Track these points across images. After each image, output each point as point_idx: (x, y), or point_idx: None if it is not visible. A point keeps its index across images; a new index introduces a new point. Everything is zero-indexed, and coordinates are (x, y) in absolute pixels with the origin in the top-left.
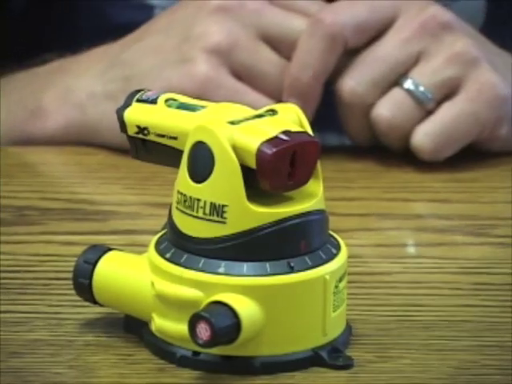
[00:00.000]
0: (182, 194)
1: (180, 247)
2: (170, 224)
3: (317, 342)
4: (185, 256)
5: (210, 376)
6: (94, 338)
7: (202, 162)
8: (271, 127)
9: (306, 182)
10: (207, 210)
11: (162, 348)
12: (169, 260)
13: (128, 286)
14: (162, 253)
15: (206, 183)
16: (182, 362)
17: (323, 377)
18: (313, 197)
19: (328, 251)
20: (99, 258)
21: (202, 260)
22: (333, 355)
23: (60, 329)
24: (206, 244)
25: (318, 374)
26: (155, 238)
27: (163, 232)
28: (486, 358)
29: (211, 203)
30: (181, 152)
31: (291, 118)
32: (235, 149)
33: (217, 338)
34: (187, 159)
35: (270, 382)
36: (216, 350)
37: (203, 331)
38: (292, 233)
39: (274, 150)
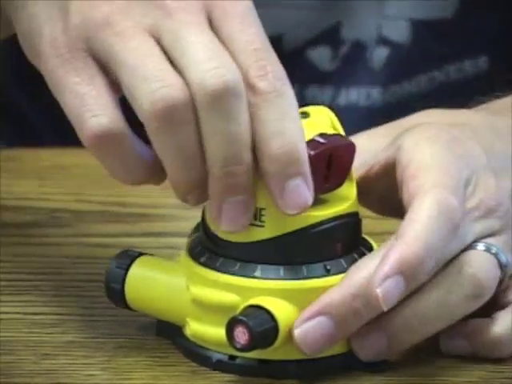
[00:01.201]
0: None
1: (217, 252)
2: (205, 230)
3: (350, 344)
4: (220, 260)
5: (244, 379)
6: (126, 339)
7: None
8: (307, 130)
9: (341, 184)
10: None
11: (197, 352)
12: (204, 264)
13: (161, 291)
14: (196, 257)
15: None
16: (218, 366)
17: (358, 380)
18: (347, 199)
19: (362, 254)
20: (131, 262)
21: (238, 264)
22: None
23: (93, 331)
24: (244, 248)
25: (353, 376)
26: (188, 241)
27: (195, 236)
28: None
29: (256, 208)
30: None
31: (324, 120)
32: None
33: (255, 342)
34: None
35: None
36: (252, 354)
37: (241, 335)
38: (329, 235)
39: (313, 152)
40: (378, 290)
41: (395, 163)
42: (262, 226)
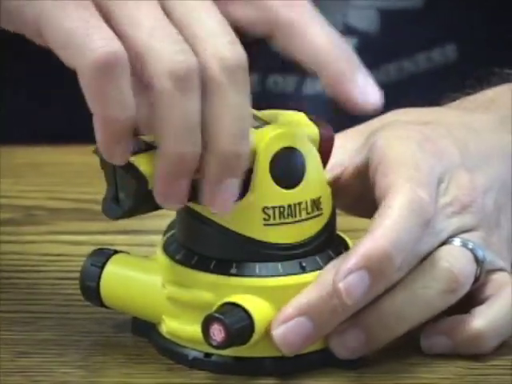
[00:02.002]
0: (274, 207)
1: (193, 250)
2: (252, 244)
3: (327, 342)
4: (196, 257)
5: (219, 376)
6: (101, 337)
7: (293, 167)
8: (299, 121)
9: None
10: (310, 209)
11: (173, 350)
12: (179, 262)
13: (137, 289)
14: (172, 254)
15: (302, 184)
16: (194, 363)
17: (333, 376)
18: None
19: (337, 251)
20: (107, 260)
21: (214, 261)
22: None
23: (68, 329)
24: (305, 245)
25: (328, 373)
26: (163, 239)
27: (170, 233)
28: (494, 357)
29: (311, 200)
30: None
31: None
32: None
33: (231, 339)
34: (271, 171)
35: (281, 382)
36: (228, 351)
37: (217, 332)
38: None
39: (331, 133)
40: (341, 285)
41: (367, 164)
42: (321, 214)
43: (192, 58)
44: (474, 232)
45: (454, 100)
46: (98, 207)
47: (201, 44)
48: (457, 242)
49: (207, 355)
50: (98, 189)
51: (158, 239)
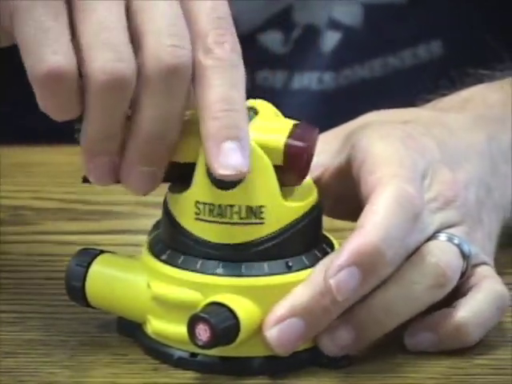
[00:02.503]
0: (205, 204)
1: (178, 249)
2: (182, 237)
3: (314, 342)
4: (181, 257)
5: (205, 376)
6: (88, 337)
7: None
8: (277, 123)
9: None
10: (243, 214)
11: (158, 349)
12: (165, 261)
13: (122, 289)
14: (157, 254)
15: (238, 188)
16: (180, 363)
17: (319, 376)
18: (312, 188)
19: (323, 250)
20: (92, 260)
21: (200, 261)
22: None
23: (53, 329)
24: (244, 248)
25: (314, 373)
26: (148, 239)
27: (156, 233)
28: (480, 357)
29: (247, 206)
30: (186, 165)
31: (272, 111)
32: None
33: (216, 339)
34: (207, 168)
35: (268, 383)
36: (214, 351)
37: (203, 332)
38: (316, 223)
39: (303, 144)
40: (332, 281)
41: (350, 163)
42: (262, 224)
43: (122, 65)
44: (459, 227)
45: (429, 101)
46: (85, 207)
47: (144, 42)
48: (443, 237)
49: (193, 355)
50: (85, 189)
51: (144, 239)
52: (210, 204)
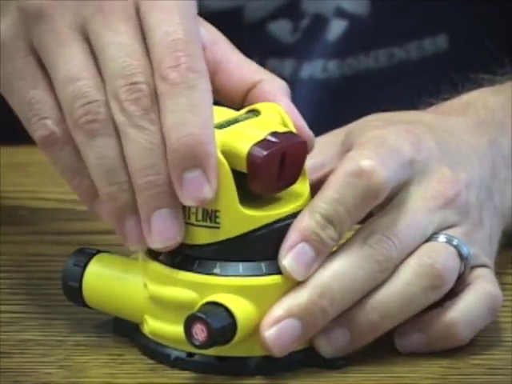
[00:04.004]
0: None
1: (172, 252)
2: None
3: (311, 342)
4: (179, 257)
5: (202, 376)
6: (84, 337)
7: None
8: (258, 129)
9: (294, 182)
10: (200, 216)
11: (155, 349)
12: (162, 261)
13: (119, 289)
14: (154, 254)
15: None
16: (177, 363)
17: (315, 376)
18: (301, 196)
19: None
20: (89, 260)
21: (197, 261)
22: None
23: (50, 329)
24: (200, 250)
25: (311, 373)
26: None
27: None
28: (476, 357)
29: (203, 209)
30: None
31: (275, 117)
32: (224, 153)
33: (213, 339)
34: None
35: (265, 383)
36: (210, 351)
37: (199, 332)
38: (285, 233)
39: (265, 152)
40: (284, 262)
41: None
42: (218, 228)
43: (94, 109)
44: (458, 227)
45: (431, 105)
46: (82, 207)
47: (106, 83)
48: (441, 238)
49: (190, 355)
50: None
51: None
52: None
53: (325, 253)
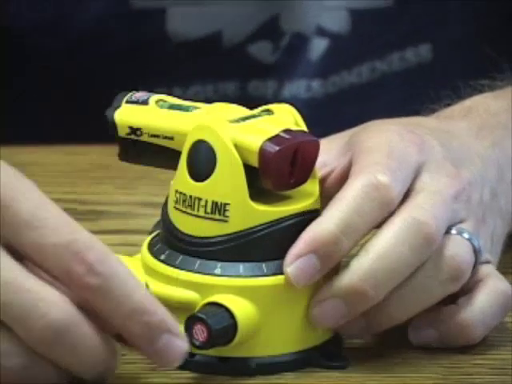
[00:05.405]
0: (181, 193)
1: (176, 248)
2: (166, 225)
3: (312, 343)
4: (180, 257)
5: (203, 376)
6: None
7: (203, 161)
8: (272, 126)
9: (305, 180)
10: (209, 209)
11: None
12: (164, 261)
13: None
14: (156, 254)
15: (207, 182)
16: None
17: (317, 377)
18: (310, 196)
19: None
20: None
21: (198, 261)
22: (327, 355)
23: None
24: (205, 243)
25: (312, 374)
26: (147, 239)
27: (156, 233)
28: (477, 357)
29: (213, 202)
30: (176, 152)
31: (287, 117)
32: (237, 148)
33: (213, 339)
34: (187, 158)
35: (265, 383)
36: (211, 351)
37: (200, 332)
38: (290, 232)
39: (277, 148)
40: (288, 269)
41: (350, 162)
42: (226, 221)
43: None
44: (465, 222)
45: (434, 111)
46: (82, 207)
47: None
48: (454, 231)
49: (190, 355)
50: (82, 189)
51: (142, 239)
52: (183, 194)
53: (330, 266)
